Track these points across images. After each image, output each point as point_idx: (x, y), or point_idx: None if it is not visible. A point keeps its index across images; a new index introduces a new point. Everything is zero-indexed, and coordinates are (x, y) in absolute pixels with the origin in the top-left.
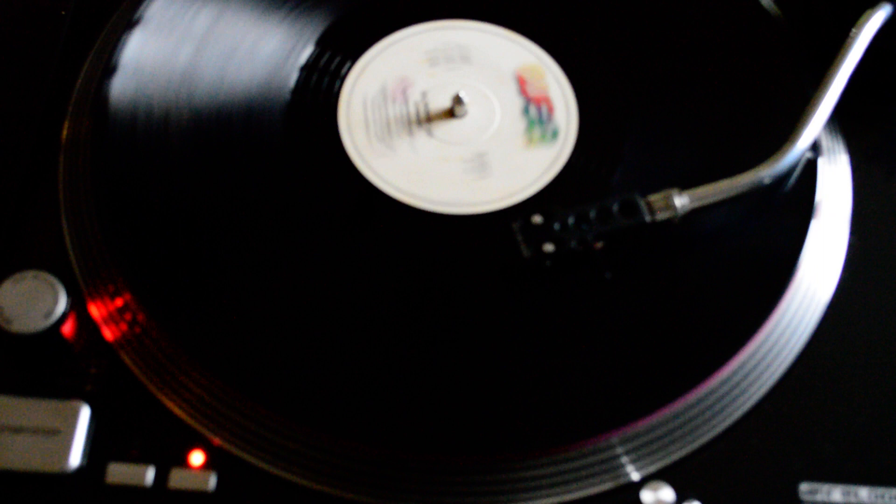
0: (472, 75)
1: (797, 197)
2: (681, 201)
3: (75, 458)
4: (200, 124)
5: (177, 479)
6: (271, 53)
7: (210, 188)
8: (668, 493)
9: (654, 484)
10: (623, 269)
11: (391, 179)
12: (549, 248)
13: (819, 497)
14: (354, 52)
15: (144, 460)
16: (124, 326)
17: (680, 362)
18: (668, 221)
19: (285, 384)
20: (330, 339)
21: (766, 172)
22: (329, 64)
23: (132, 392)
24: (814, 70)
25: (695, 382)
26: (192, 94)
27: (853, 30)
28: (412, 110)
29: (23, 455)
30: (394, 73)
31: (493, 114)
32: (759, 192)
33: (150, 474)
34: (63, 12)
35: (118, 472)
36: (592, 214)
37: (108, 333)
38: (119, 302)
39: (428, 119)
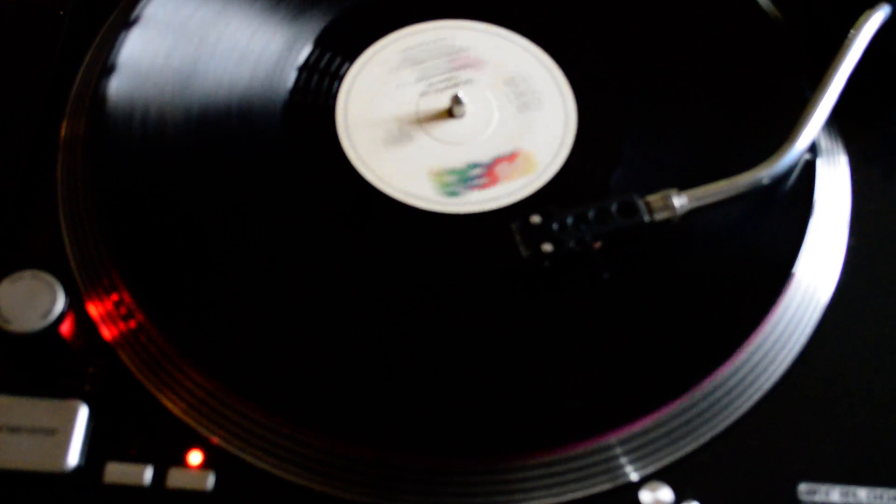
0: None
1: (796, 197)
2: (679, 202)
3: (73, 458)
4: (198, 124)
5: (175, 478)
6: (269, 53)
7: (208, 188)
8: (666, 493)
9: (653, 484)
10: (621, 270)
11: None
12: (547, 248)
13: (818, 497)
14: (352, 52)
15: (142, 460)
16: (122, 326)
17: (678, 362)
18: (666, 222)
19: (283, 384)
20: (328, 340)
21: (765, 173)
22: (328, 64)
23: (130, 391)
24: (812, 71)
25: (693, 382)
26: (190, 94)
27: (852, 31)
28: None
29: (21, 454)
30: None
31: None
32: (758, 193)
33: (148, 474)
34: (61, 12)
35: (116, 472)
36: (591, 215)
37: (107, 333)
38: (117, 301)
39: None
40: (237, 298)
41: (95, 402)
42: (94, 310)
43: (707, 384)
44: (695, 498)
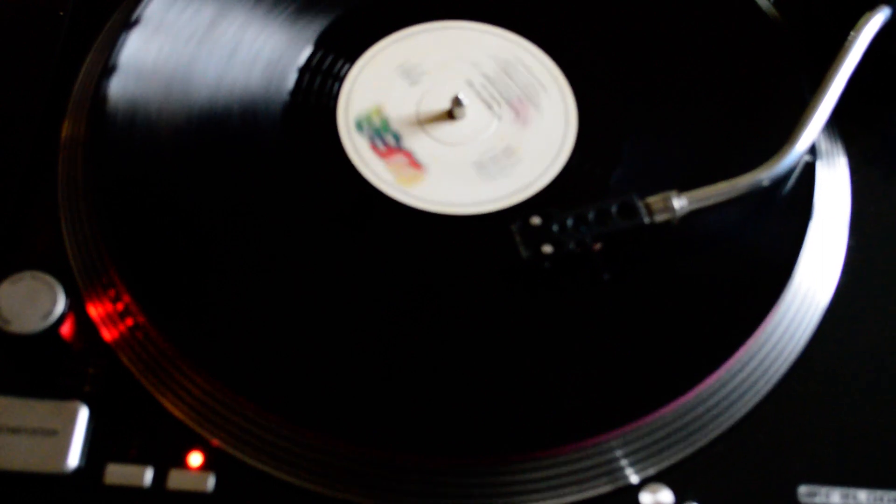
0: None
1: (796, 199)
2: (679, 203)
3: (74, 459)
4: (198, 125)
5: (175, 479)
6: (269, 54)
7: (209, 189)
8: (666, 495)
9: (653, 486)
10: (621, 271)
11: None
12: (547, 249)
13: (818, 500)
14: (353, 53)
15: (143, 461)
16: (123, 327)
17: (678, 364)
18: (666, 223)
19: (284, 385)
20: (328, 341)
21: (765, 175)
22: (330, 66)
23: (131, 393)
24: (812, 72)
25: (693, 384)
26: (191, 95)
27: (851, 33)
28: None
29: (21, 455)
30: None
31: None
32: (758, 195)
33: (148, 475)
34: (62, 13)
35: (117, 473)
36: (591, 216)
37: (107, 334)
38: (117, 302)
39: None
40: (237, 299)
41: (96, 403)
42: (94, 311)
43: (707, 386)
44: (695, 500)
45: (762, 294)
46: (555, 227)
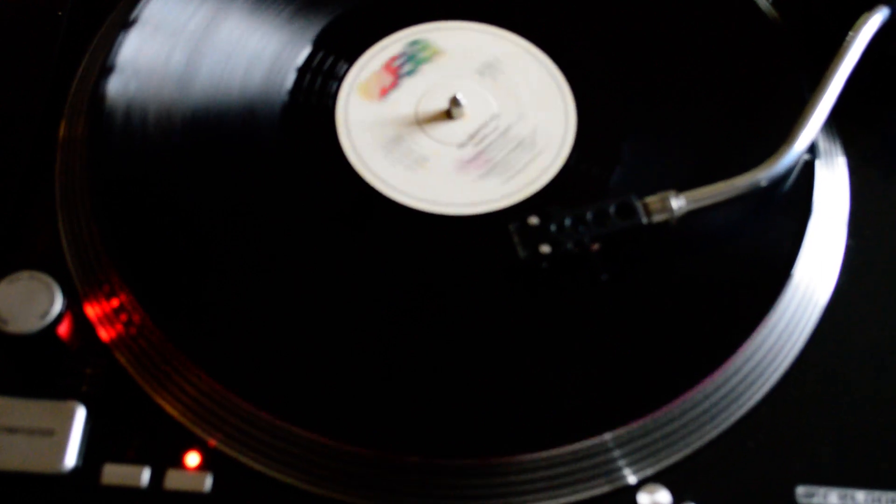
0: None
1: (794, 199)
2: (678, 203)
3: (71, 459)
4: (197, 125)
5: (172, 480)
6: (268, 54)
7: (207, 189)
8: (664, 496)
9: (651, 487)
10: (620, 271)
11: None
12: (545, 249)
13: (815, 500)
14: (351, 53)
15: (140, 461)
16: (120, 327)
17: (676, 364)
18: (664, 223)
19: (281, 385)
20: (326, 341)
21: (764, 174)
22: (332, 66)
23: (128, 393)
24: (811, 72)
25: (691, 384)
26: (189, 95)
27: (850, 32)
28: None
29: (18, 455)
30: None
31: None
32: (757, 194)
33: (145, 475)
34: (60, 13)
35: (114, 473)
36: (589, 216)
37: (104, 334)
38: (115, 302)
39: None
40: (235, 299)
41: (93, 404)
42: (91, 311)
43: (705, 386)
44: (693, 500)
45: (761, 294)
46: (553, 227)
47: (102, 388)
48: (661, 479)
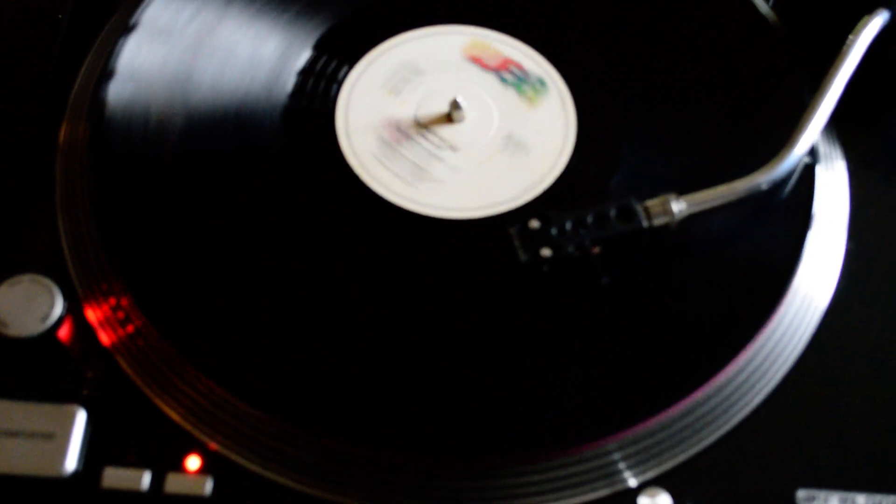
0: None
1: (794, 203)
2: (678, 207)
3: (71, 463)
4: (197, 128)
5: (173, 483)
6: (269, 58)
7: (208, 192)
8: (665, 499)
9: (652, 490)
10: (620, 275)
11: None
12: (546, 252)
13: None
14: (352, 56)
15: (141, 465)
16: (121, 330)
17: (677, 368)
18: (665, 227)
19: (282, 388)
20: (327, 344)
21: (764, 178)
22: (334, 70)
23: (128, 396)
24: (811, 76)
25: (692, 388)
26: (190, 98)
27: (850, 36)
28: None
29: (18, 459)
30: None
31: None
32: (757, 198)
33: (146, 479)
34: (60, 16)
35: (114, 477)
36: (590, 219)
37: (105, 337)
38: (115, 306)
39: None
40: (236, 303)
41: (94, 407)
42: (92, 314)
43: (705, 390)
44: None
45: (761, 298)
46: (553, 231)
47: (103, 392)
48: (661, 482)
